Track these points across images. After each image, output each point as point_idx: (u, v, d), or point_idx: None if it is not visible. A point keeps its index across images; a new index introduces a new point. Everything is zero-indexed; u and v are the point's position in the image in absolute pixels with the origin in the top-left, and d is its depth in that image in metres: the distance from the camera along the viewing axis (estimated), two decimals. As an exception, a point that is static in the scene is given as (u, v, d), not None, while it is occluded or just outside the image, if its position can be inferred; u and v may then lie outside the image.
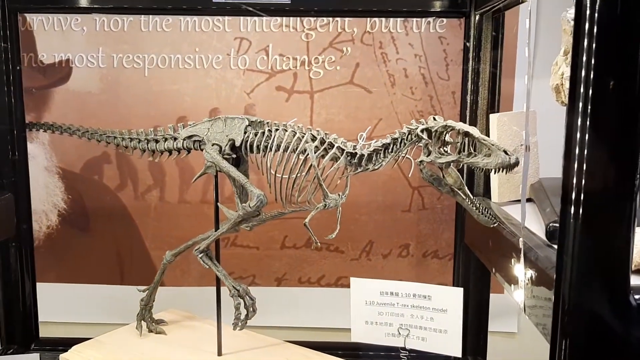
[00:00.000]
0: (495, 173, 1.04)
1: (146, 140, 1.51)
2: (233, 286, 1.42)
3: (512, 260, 1.09)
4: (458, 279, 1.67)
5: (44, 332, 1.96)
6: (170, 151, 1.49)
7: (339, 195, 1.32)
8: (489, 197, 1.50)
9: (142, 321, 1.57)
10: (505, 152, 1.01)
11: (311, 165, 1.29)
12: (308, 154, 1.31)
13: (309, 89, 2.02)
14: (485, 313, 1.65)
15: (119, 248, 2.13)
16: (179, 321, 1.64)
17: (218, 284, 1.48)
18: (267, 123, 1.39)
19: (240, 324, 1.41)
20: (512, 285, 1.11)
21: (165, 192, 2.09)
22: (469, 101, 1.50)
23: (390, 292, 1.41)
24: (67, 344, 1.55)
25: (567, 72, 1.18)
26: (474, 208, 1.11)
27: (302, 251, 2.12)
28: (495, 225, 1.09)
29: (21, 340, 1.84)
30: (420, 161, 1.15)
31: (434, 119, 1.15)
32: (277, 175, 1.33)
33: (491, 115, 1.41)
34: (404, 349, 1.41)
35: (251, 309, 1.42)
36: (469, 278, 1.61)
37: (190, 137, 1.45)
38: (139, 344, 1.51)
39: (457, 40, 1.98)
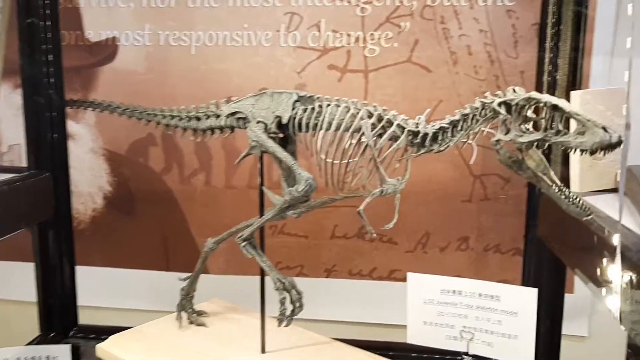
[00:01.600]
0: (592, 154, 0.87)
1: (187, 118, 1.40)
2: (278, 279, 1.30)
3: (604, 260, 0.93)
4: (528, 276, 1.50)
5: (85, 318, 1.90)
6: (212, 130, 1.38)
7: (397, 179, 1.18)
8: (567, 186, 1.33)
9: (183, 312, 1.48)
10: (605, 128, 0.84)
11: (367, 145, 1.15)
12: (363, 133, 1.16)
13: (363, 68, 1.89)
14: (559, 316, 1.48)
15: (164, 233, 2.05)
16: (222, 313, 1.54)
17: (262, 275, 1.36)
18: (318, 98, 1.26)
19: (285, 320, 1.29)
20: (602, 287, 0.94)
21: (211, 177, 2.01)
22: (545, 79, 1.33)
23: (453, 291, 1.26)
24: (106, 332, 1.47)
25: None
26: (563, 196, 0.94)
27: (353, 241, 2.00)
28: (590, 217, 0.92)
29: (60, 327, 1.78)
30: (497, 140, 0.98)
31: (514, 90, 0.99)
32: (327, 156, 1.20)
33: (573, 93, 1.24)
34: (466, 354, 1.26)
35: (297, 304, 1.30)
36: (540, 275, 1.44)
37: (233, 114, 1.34)
38: (178, 336, 1.41)
39: (528, 14, 1.80)
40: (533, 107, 0.95)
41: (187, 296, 1.47)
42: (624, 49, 1.80)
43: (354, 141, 1.18)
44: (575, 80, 1.31)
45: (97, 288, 2.07)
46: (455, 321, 1.27)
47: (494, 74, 1.86)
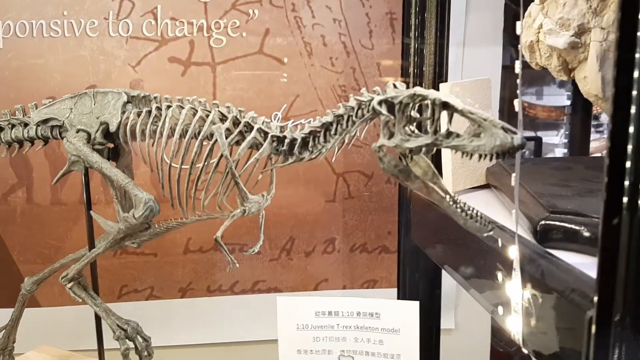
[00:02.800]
0: (491, 159, 0.75)
1: (-14, 128, 1.10)
2: (118, 325, 1.05)
3: (498, 274, 0.83)
4: (404, 276, 1.40)
5: None
6: (20, 142, 1.09)
7: (262, 195, 1.00)
8: (441, 185, 1.24)
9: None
10: (505, 129, 0.73)
11: (221, 155, 0.95)
12: (216, 141, 0.96)
13: (209, 60, 1.68)
14: (436, 311, 1.40)
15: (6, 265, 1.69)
16: (53, 365, 1.26)
17: (98, 321, 1.11)
18: (156, 98, 1.03)
19: None
20: (499, 307, 0.85)
21: (33, 192, 1.68)
22: (412, 72, 1.22)
23: (329, 312, 1.12)
24: None
25: (547, 24, 0.93)
26: (458, 210, 0.81)
27: (210, 255, 1.80)
28: (491, 233, 0.81)
29: None
30: (380, 146, 0.83)
31: (395, 86, 0.85)
32: (171, 171, 0.98)
33: (442, 85, 1.15)
34: (349, 381, 1.13)
35: (145, 354, 1.06)
36: (414, 273, 1.35)
37: (45, 121, 1.06)
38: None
39: (381, 3, 1.72)
40: (417, 105, 0.81)
41: (5, 350, 1.17)
42: (475, 39, 1.79)
43: (205, 151, 0.97)
44: (442, 72, 1.22)
45: None
46: (333, 346, 1.13)
47: (351, 66, 1.76)
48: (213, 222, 1.80)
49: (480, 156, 0.74)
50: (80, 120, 1.01)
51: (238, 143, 0.97)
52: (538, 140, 2.16)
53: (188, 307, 1.81)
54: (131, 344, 1.06)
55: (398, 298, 1.39)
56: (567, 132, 2.16)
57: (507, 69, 1.85)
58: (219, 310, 1.82)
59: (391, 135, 0.82)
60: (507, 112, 1.89)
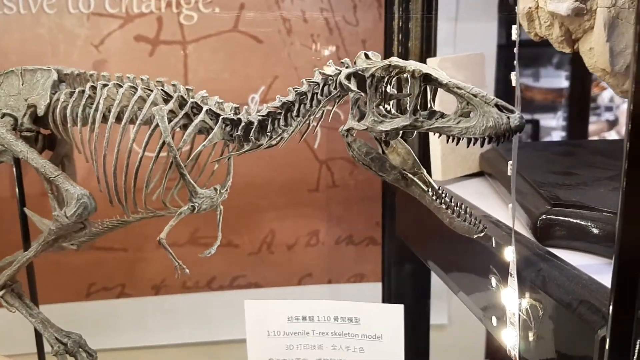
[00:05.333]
0: (484, 143, 0.62)
1: None
2: (57, 339, 0.92)
3: (492, 279, 0.71)
4: (389, 270, 1.28)
5: None
6: (-54, 130, 0.96)
7: (215, 189, 0.87)
8: (429, 174, 1.12)
9: None
10: (499, 106, 0.60)
11: (163, 142, 0.82)
12: (157, 125, 0.83)
13: (180, 39, 1.55)
14: (425, 307, 1.28)
15: None
16: (-1, 378, 1.14)
17: (38, 334, 0.98)
18: (92, 76, 0.89)
19: None
20: (493, 317, 0.73)
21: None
22: (395, 45, 1.09)
23: (303, 317, 1.00)
24: None
25: (548, -11, 0.80)
26: (443, 206, 0.68)
27: (185, 249, 1.68)
28: (482, 234, 0.68)
29: None
30: (348, 129, 0.70)
31: (366, 55, 0.72)
32: (106, 162, 0.84)
33: (429, 60, 1.02)
34: (327, 393, 1.01)
35: None
36: (401, 267, 1.23)
37: None
38: None
39: (365, -26, 1.59)
40: (394, 79, 0.68)
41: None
42: (468, 14, 1.66)
43: (144, 137, 0.83)
44: (430, 47, 1.09)
45: None
46: (308, 354, 1.01)
47: (334, 44, 1.62)
48: (187, 223, 1.69)
49: (469, 140, 0.61)
50: (7, 103, 0.88)
51: (185, 127, 0.83)
52: (535, 123, 2.04)
53: (163, 304, 1.69)
54: (72, 360, 0.94)
55: (383, 295, 1.28)
56: (565, 115, 2.04)
57: (503, 48, 1.73)
58: (196, 308, 1.71)
59: (362, 116, 0.69)
60: (503, 95, 1.76)
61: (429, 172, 1.14)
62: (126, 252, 1.65)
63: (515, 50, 0.64)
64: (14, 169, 0.92)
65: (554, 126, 2.18)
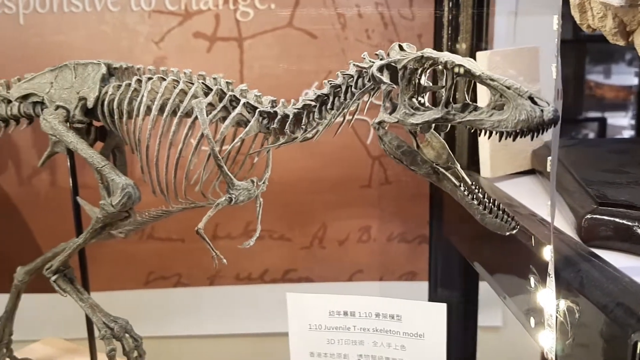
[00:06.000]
0: (516, 137, 0.60)
1: (-29, 106, 1.03)
2: (104, 323, 0.96)
3: (531, 279, 0.69)
4: (435, 269, 1.26)
5: None
6: (5, 121, 1.01)
7: (252, 182, 0.88)
8: (476, 171, 1.09)
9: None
10: (533, 99, 0.58)
11: (201, 134, 0.84)
12: (197, 118, 0.85)
13: (236, 35, 1.58)
14: (473, 308, 1.25)
15: (3, 248, 1.66)
16: (55, 358, 1.20)
17: (90, 320, 1.02)
18: (139, 70, 0.92)
19: None
20: (531, 318, 0.70)
21: (58, 175, 1.63)
22: (445, 38, 1.07)
23: (344, 312, 1.00)
24: None
25: (601, -23, 0.76)
26: (475, 202, 0.66)
27: (239, 241, 1.69)
28: (514, 231, 0.66)
29: None
30: (379, 122, 0.70)
31: (401, 47, 0.71)
32: (150, 153, 0.87)
33: (479, 54, 0.99)
34: (365, 389, 1.01)
35: (135, 355, 0.97)
36: (449, 266, 1.20)
37: (25, 97, 0.98)
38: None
39: (423, -32, 1.56)
40: (429, 71, 0.67)
41: (1, 343, 1.11)
42: (529, 7, 1.60)
43: (184, 129, 0.85)
44: (480, 41, 1.06)
45: None
46: (349, 349, 1.01)
47: (389, 39, 1.61)
48: (239, 207, 1.72)
49: (501, 134, 0.59)
50: (61, 95, 0.93)
51: (223, 120, 0.85)
52: (602, 122, 1.95)
53: (216, 295, 1.73)
54: (116, 346, 0.97)
55: (429, 294, 1.26)
56: (634, 113, 1.93)
57: (568, 43, 1.66)
58: (248, 299, 1.74)
59: (394, 109, 0.68)
60: (570, 94, 1.71)
61: (478, 170, 1.12)
62: (183, 243, 1.70)
63: (556, 42, 0.61)
64: (68, 160, 0.97)
65: (624, 125, 2.08)
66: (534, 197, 0.91)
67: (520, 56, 1.01)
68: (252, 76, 1.60)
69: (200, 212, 1.62)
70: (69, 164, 0.97)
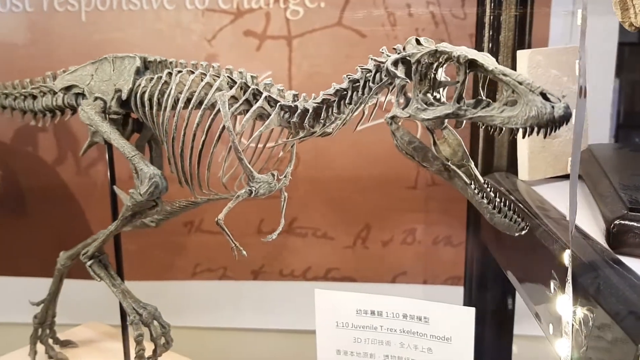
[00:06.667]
0: (524, 135, 0.58)
1: (22, 96, 1.08)
2: (134, 309, 0.99)
3: (552, 284, 0.66)
4: (471, 274, 1.23)
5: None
6: (51, 111, 1.07)
7: (272, 175, 0.89)
8: (515, 174, 1.06)
9: (40, 344, 1.18)
10: (545, 95, 0.55)
11: (223, 127, 0.85)
12: (219, 110, 0.86)
13: (285, 34, 1.60)
14: (509, 317, 1.21)
15: (61, 235, 1.75)
16: (96, 341, 1.25)
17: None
18: (171, 63, 0.95)
19: None
20: (550, 325, 0.67)
21: (114, 166, 1.70)
22: (487, 35, 1.04)
23: (372, 311, 0.99)
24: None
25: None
26: (485, 200, 0.65)
27: (283, 237, 1.73)
28: (523, 232, 0.64)
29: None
30: (392, 117, 0.69)
31: (418, 41, 0.70)
32: (175, 144, 0.89)
33: (519, 53, 0.96)
34: (389, 390, 1.00)
35: (162, 341, 1.00)
36: (485, 272, 1.17)
37: (68, 88, 1.02)
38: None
39: (477, -34, 1.52)
40: (444, 65, 0.65)
41: (44, 325, 1.17)
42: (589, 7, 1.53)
43: (207, 121, 0.87)
44: (523, 39, 1.02)
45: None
46: (376, 349, 1.00)
47: (440, 38, 1.58)
48: (290, 203, 1.73)
49: (511, 131, 0.57)
50: (100, 87, 0.97)
51: (245, 112, 0.86)
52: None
53: (259, 290, 1.75)
54: (144, 331, 1.00)
55: (464, 299, 1.22)
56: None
57: (627, 46, 1.57)
58: (290, 295, 1.75)
59: (407, 104, 0.67)
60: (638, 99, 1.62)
61: (515, 172, 1.09)
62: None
63: (581, 37, 0.58)
64: (106, 150, 1.01)
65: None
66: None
67: (563, 55, 0.97)
68: (300, 74, 1.61)
69: (252, 208, 1.65)
70: (107, 154, 1.01)
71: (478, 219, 1.11)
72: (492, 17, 1.04)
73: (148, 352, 0.99)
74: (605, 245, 0.67)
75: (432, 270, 1.70)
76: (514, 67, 1.00)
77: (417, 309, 0.97)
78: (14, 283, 1.78)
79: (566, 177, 1.03)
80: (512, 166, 1.08)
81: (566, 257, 0.61)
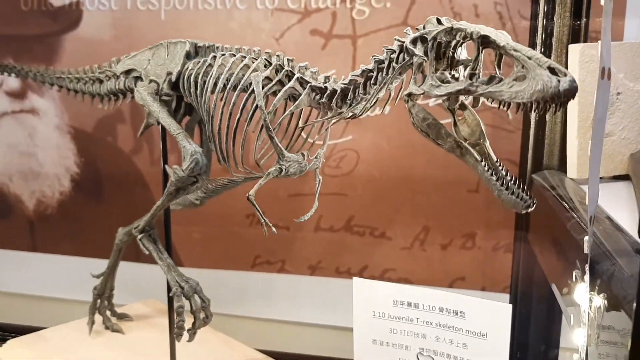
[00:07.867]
0: (532, 110, 0.56)
1: (91, 80, 1.17)
2: (177, 281, 1.04)
3: (575, 273, 0.64)
4: (516, 277, 1.18)
5: (42, 310, 1.73)
6: (115, 94, 1.14)
7: (303, 155, 0.91)
8: (564, 171, 1.02)
9: (98, 315, 1.26)
10: (552, 69, 0.54)
11: (256, 106, 0.88)
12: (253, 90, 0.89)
13: (351, 33, 1.62)
14: (552, 336, 1.16)
15: (132, 220, 1.85)
16: (150, 317, 1.32)
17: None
18: (218, 48, 1.00)
19: (187, 334, 1.02)
20: (571, 315, 0.65)
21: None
22: (540, 28, 1.01)
23: (408, 303, 0.99)
24: (22, 331, 1.28)
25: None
26: (493, 177, 0.64)
27: (340, 235, 1.75)
28: (529, 209, 0.63)
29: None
30: (408, 94, 0.69)
31: (438, 20, 0.70)
32: (213, 123, 0.93)
33: (571, 47, 0.93)
34: (422, 384, 0.99)
35: (201, 315, 1.04)
36: (531, 276, 1.13)
37: (128, 72, 1.09)
38: (80, 345, 1.20)
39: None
40: (462, 43, 0.65)
41: (102, 297, 1.25)
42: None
43: (242, 101, 0.90)
44: (578, 32, 0.99)
45: (60, 278, 1.90)
46: (411, 341, 1.00)
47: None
48: (342, 201, 1.72)
49: (518, 105, 0.56)
50: (155, 71, 1.03)
51: (276, 93, 0.89)
52: None
53: (315, 285, 1.77)
54: (185, 303, 1.04)
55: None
56: None
57: None
58: (346, 292, 1.75)
59: (423, 81, 0.67)
60: None
61: (564, 170, 1.04)
62: (288, 231, 1.76)
63: (604, 22, 0.56)
64: (160, 131, 1.07)
65: None
66: (616, 201, 0.83)
67: (620, 51, 0.93)
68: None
69: (305, 202, 1.67)
70: (161, 135, 1.07)
71: (528, 226, 1.07)
72: (546, 11, 1.00)
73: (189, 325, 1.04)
74: (638, 239, 0.64)
75: (492, 277, 1.65)
76: (566, 62, 0.97)
77: (453, 302, 0.96)
78: (89, 264, 1.91)
79: (617, 177, 0.99)
80: (562, 164, 1.04)
81: (586, 245, 0.59)
